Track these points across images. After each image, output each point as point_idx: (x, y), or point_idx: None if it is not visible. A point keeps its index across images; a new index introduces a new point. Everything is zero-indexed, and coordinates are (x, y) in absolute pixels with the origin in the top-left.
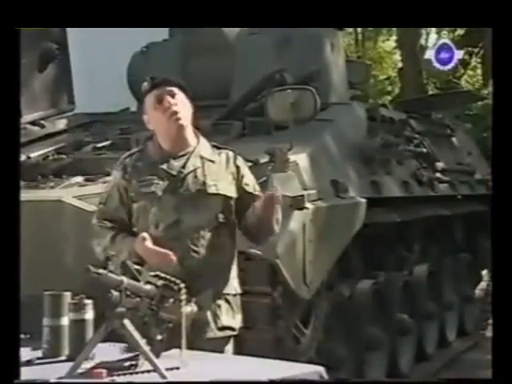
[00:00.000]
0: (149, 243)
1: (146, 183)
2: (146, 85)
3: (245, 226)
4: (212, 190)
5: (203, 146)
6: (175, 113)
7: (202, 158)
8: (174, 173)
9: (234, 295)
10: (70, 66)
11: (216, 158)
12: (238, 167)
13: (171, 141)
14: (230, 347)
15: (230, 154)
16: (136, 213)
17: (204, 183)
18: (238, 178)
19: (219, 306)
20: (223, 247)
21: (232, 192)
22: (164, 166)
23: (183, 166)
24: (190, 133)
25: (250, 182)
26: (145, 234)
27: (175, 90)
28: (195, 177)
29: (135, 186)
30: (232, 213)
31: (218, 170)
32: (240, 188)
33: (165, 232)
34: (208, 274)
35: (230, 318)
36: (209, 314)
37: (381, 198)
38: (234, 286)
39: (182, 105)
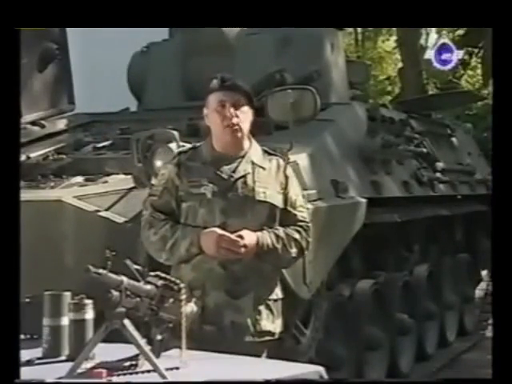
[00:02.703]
0: (219, 232)
1: (196, 184)
2: (214, 83)
3: None
4: (260, 196)
5: (255, 151)
6: (233, 125)
7: (253, 163)
8: (225, 176)
9: (276, 300)
10: (70, 66)
11: (266, 165)
12: (286, 177)
13: (224, 144)
14: (265, 353)
15: (281, 162)
16: (185, 212)
17: (253, 189)
18: (286, 189)
19: (259, 311)
20: (266, 253)
21: (279, 201)
22: (215, 169)
23: (234, 171)
24: (243, 140)
25: (293, 196)
26: (214, 228)
27: (241, 99)
28: (245, 182)
29: (185, 186)
30: (276, 221)
31: (267, 177)
32: (284, 200)
33: None
34: (250, 279)
35: (270, 322)
36: (249, 319)
37: (381, 198)
38: (275, 291)
39: (242, 116)
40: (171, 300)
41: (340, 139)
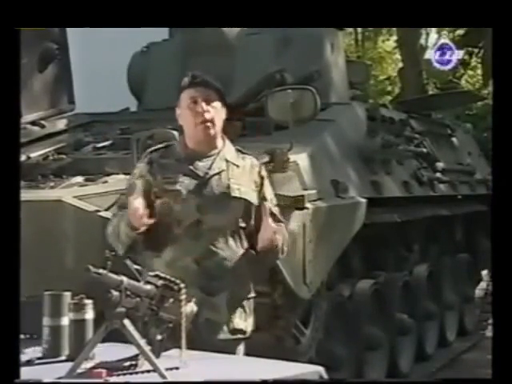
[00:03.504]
0: (136, 201)
1: (171, 181)
2: (185, 80)
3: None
4: (236, 193)
5: (228, 149)
6: (206, 120)
7: (227, 161)
8: (200, 173)
9: (248, 299)
10: (70, 66)
11: (240, 163)
12: (262, 178)
13: (197, 142)
14: (241, 347)
15: (255, 161)
16: (158, 208)
17: (228, 186)
18: (261, 189)
19: (233, 309)
20: (241, 251)
21: (254, 199)
22: (190, 166)
23: (209, 168)
24: (217, 138)
25: (269, 197)
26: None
27: (212, 94)
28: (220, 179)
29: (160, 182)
30: (251, 219)
31: (241, 174)
32: (260, 199)
33: (185, 231)
34: (224, 277)
35: (242, 321)
36: (222, 316)
37: (381, 198)
38: (248, 289)
39: (214, 112)
40: (171, 300)
41: (340, 139)
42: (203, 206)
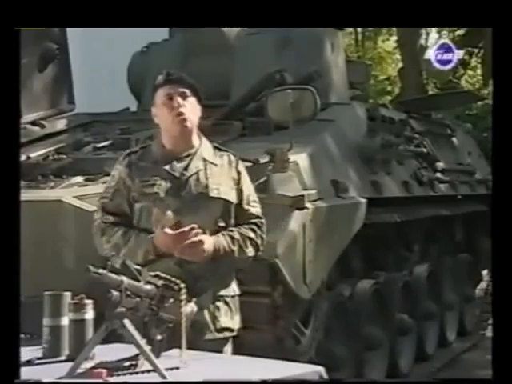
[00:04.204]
0: (170, 231)
1: (148, 184)
2: (160, 78)
3: None
4: (214, 193)
5: (205, 148)
6: (182, 114)
7: (204, 160)
8: (177, 174)
9: (233, 296)
10: (70, 66)
11: (218, 161)
12: (239, 173)
13: (174, 140)
14: (228, 348)
15: (232, 157)
16: (138, 212)
17: (206, 186)
18: (239, 185)
19: (218, 308)
20: (222, 257)
21: (232, 197)
22: (167, 167)
23: (186, 168)
24: (193, 135)
25: (246, 192)
26: (165, 230)
27: (188, 91)
28: (197, 179)
29: (138, 186)
30: (231, 217)
31: (220, 173)
32: (238, 196)
33: None
34: (207, 277)
35: (229, 319)
36: (208, 316)
37: (381, 198)
38: (232, 287)
39: (190, 108)
40: (171, 300)
41: (340, 139)
42: (182, 208)
